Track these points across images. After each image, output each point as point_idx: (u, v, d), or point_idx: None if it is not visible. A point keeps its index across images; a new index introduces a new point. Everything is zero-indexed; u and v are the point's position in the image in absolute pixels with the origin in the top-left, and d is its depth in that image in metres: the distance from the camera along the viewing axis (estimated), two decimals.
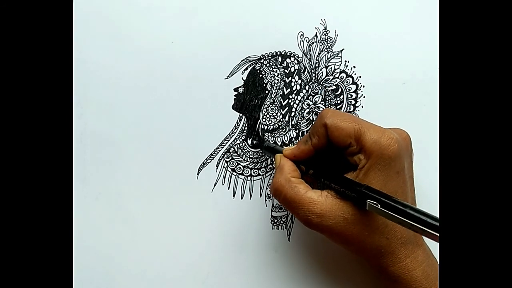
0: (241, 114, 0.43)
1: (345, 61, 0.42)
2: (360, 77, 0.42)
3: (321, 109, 0.42)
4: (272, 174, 0.42)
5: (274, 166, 0.41)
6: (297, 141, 0.42)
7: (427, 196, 0.39)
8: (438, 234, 0.27)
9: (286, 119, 0.42)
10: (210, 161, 0.42)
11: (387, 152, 0.33)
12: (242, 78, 0.42)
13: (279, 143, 0.42)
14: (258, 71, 0.42)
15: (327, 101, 0.42)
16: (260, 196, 0.42)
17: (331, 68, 0.42)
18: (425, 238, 0.35)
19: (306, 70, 0.42)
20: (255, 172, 0.43)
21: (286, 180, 0.35)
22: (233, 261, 0.42)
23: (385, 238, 0.33)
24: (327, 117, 0.35)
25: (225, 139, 0.42)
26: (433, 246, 0.36)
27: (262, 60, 0.42)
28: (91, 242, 0.42)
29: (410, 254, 0.34)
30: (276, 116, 0.42)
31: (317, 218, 0.33)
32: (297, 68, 0.42)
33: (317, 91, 0.42)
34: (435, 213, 0.28)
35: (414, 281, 0.33)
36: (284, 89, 0.42)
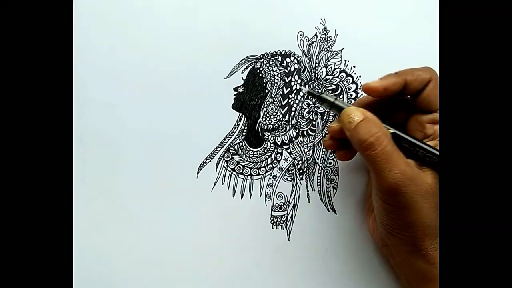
0: (241, 114, 0.42)
1: (345, 60, 0.42)
2: (360, 76, 0.42)
3: (321, 108, 0.42)
4: (272, 174, 0.42)
5: (342, 121, 0.35)
6: (297, 140, 0.42)
7: None
8: None
9: (286, 118, 0.42)
10: (210, 161, 0.42)
11: None
12: (242, 77, 0.42)
13: (279, 143, 0.42)
14: (258, 71, 0.42)
15: None
16: (260, 195, 0.42)
17: (331, 67, 0.42)
18: None
19: (306, 70, 0.42)
20: (255, 172, 0.43)
21: (384, 133, 0.32)
22: (233, 261, 0.42)
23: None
24: (435, 74, 0.34)
25: (225, 139, 0.42)
26: None
27: (262, 59, 0.42)
28: (91, 241, 0.42)
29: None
30: (276, 116, 0.42)
31: (408, 181, 0.31)
32: (297, 67, 0.42)
33: (317, 90, 0.42)
34: None
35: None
36: (284, 88, 0.42)
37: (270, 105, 0.42)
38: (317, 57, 0.42)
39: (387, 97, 0.35)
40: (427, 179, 0.32)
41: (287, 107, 0.42)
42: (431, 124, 0.34)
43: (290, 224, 0.42)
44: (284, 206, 0.42)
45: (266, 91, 0.42)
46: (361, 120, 0.33)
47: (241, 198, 0.42)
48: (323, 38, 0.42)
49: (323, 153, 0.42)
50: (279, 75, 0.42)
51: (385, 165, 0.32)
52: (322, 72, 0.42)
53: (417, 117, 0.36)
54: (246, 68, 0.42)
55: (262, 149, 0.43)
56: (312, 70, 0.42)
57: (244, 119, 0.43)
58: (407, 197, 0.31)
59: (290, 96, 0.42)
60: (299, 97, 0.42)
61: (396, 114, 0.38)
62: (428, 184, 0.32)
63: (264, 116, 0.42)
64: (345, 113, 0.34)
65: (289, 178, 0.42)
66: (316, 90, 0.41)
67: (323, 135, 0.42)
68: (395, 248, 0.35)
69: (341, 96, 0.42)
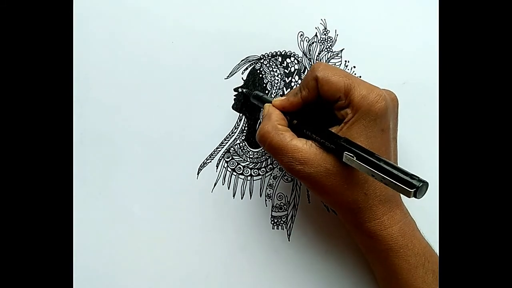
0: (241, 114, 0.43)
1: (345, 61, 0.42)
2: (360, 76, 0.42)
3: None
4: (272, 174, 0.42)
5: (261, 115, 0.40)
6: None
7: None
8: (410, 190, 0.27)
9: None
10: (210, 161, 0.42)
11: (374, 109, 0.33)
12: (242, 78, 0.42)
13: None
14: (258, 71, 0.42)
15: None
16: (260, 196, 0.42)
17: None
18: (403, 198, 0.36)
19: (306, 70, 0.42)
20: (255, 172, 0.43)
21: (272, 127, 0.35)
22: (233, 261, 0.42)
23: (363, 193, 0.34)
24: (318, 70, 0.35)
25: (225, 139, 0.42)
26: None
27: (262, 60, 0.42)
28: (91, 242, 0.42)
29: (387, 212, 0.34)
30: None
31: (300, 165, 0.33)
32: (297, 68, 0.42)
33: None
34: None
35: (390, 238, 0.34)
36: (284, 89, 0.42)
37: None
38: (318, 57, 0.42)
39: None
40: (328, 161, 0.33)
41: None
42: (338, 110, 0.35)
43: (290, 225, 0.42)
44: (284, 206, 0.42)
45: (267, 92, 0.42)
46: (263, 117, 0.37)
47: (242, 198, 0.42)
48: (323, 39, 0.42)
49: None
50: (279, 76, 0.42)
51: (276, 156, 0.35)
52: None
53: (332, 107, 0.36)
54: (246, 68, 0.42)
55: (262, 150, 0.43)
56: None
57: (244, 120, 0.43)
58: (306, 179, 0.34)
59: None
60: None
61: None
62: (329, 165, 0.33)
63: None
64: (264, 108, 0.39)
65: (289, 179, 0.42)
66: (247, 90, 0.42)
67: None
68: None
69: None
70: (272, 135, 0.35)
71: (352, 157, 0.31)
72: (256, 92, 0.41)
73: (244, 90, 0.42)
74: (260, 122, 0.42)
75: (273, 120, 0.36)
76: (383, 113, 0.33)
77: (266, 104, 0.39)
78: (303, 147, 0.34)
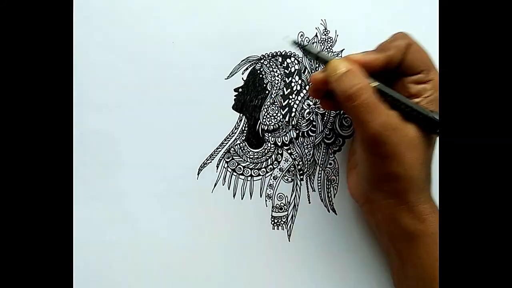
0: (241, 115, 0.42)
1: None
2: None
3: (321, 109, 0.42)
4: (272, 174, 0.42)
5: (327, 72, 0.35)
6: (297, 141, 0.42)
7: None
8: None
9: (287, 119, 0.42)
10: (211, 162, 0.42)
11: None
12: (242, 78, 0.42)
13: (279, 144, 0.42)
14: (258, 71, 0.42)
15: None
16: (261, 196, 0.42)
17: None
18: None
19: (307, 70, 0.42)
20: (255, 173, 0.43)
21: (366, 85, 0.33)
22: (233, 261, 0.42)
23: (427, 173, 0.34)
24: (410, 38, 0.35)
25: (225, 140, 0.42)
26: None
27: (262, 60, 0.42)
28: (91, 242, 0.42)
29: (430, 199, 0.34)
30: (276, 117, 0.42)
31: (389, 131, 0.32)
32: (297, 68, 0.42)
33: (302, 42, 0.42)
34: None
35: (430, 225, 0.33)
36: (285, 89, 0.42)
37: (271, 106, 0.42)
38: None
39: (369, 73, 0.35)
40: (410, 131, 0.33)
41: (287, 108, 0.42)
42: (414, 84, 0.35)
43: (290, 225, 0.42)
44: (285, 206, 0.42)
45: (267, 92, 0.42)
46: (345, 72, 0.34)
47: (242, 199, 0.42)
48: (324, 39, 0.42)
49: (324, 154, 0.42)
50: (279, 76, 0.42)
51: (367, 115, 0.32)
52: None
53: (401, 79, 0.36)
54: (247, 68, 0.42)
55: (263, 150, 0.43)
56: (313, 71, 0.42)
57: (244, 120, 0.43)
58: (390, 146, 0.32)
59: (290, 97, 0.42)
60: (299, 98, 0.42)
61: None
62: (411, 136, 0.33)
63: (265, 117, 0.42)
64: (331, 64, 0.35)
65: (290, 179, 0.42)
66: (301, 42, 0.41)
67: (324, 136, 0.42)
68: (378, 204, 0.35)
69: None
70: (370, 92, 0.33)
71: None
72: (320, 51, 0.39)
73: (303, 44, 0.39)
74: (260, 122, 0.42)
75: (363, 77, 0.33)
76: None
77: (341, 59, 0.35)
78: (394, 114, 0.33)
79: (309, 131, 0.42)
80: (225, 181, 0.43)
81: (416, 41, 0.35)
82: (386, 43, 0.36)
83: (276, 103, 0.42)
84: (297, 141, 0.42)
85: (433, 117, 0.33)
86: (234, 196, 0.42)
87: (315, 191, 0.42)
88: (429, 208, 0.34)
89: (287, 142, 0.42)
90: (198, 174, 0.42)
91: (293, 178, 0.42)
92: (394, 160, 0.33)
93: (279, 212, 0.42)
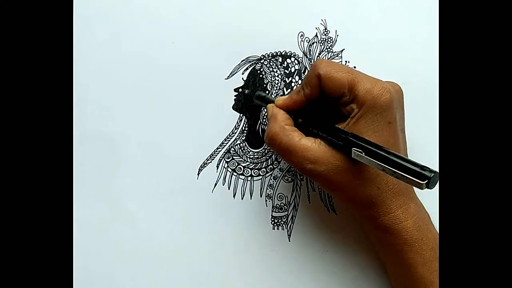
0: (241, 115, 0.42)
1: (345, 61, 0.42)
2: None
3: None
4: (272, 174, 0.42)
5: (266, 116, 0.39)
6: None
7: None
8: (422, 182, 0.27)
9: None
10: (211, 162, 0.42)
11: (379, 102, 0.33)
12: (243, 78, 0.42)
13: None
14: (259, 72, 0.42)
15: None
16: (261, 196, 0.42)
17: None
18: (416, 191, 0.36)
19: (307, 70, 0.42)
20: (256, 173, 0.43)
21: (280, 128, 0.35)
22: (233, 261, 0.42)
23: (376, 187, 0.33)
24: (320, 67, 0.34)
25: (225, 140, 0.42)
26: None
27: (263, 60, 0.42)
28: (91, 242, 0.42)
29: (401, 205, 0.34)
30: None
31: (311, 164, 0.33)
32: (297, 68, 0.42)
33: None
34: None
35: (405, 232, 0.34)
36: (285, 89, 0.42)
37: None
38: (318, 57, 0.42)
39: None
40: (337, 158, 0.33)
41: None
42: (343, 106, 0.35)
43: (290, 225, 0.42)
44: (285, 206, 0.42)
45: (267, 92, 0.42)
46: (269, 118, 0.37)
47: (242, 199, 0.42)
48: (324, 39, 0.42)
49: None
50: (279, 76, 0.42)
51: (286, 156, 0.35)
52: None
53: (335, 103, 0.36)
54: (247, 69, 0.42)
55: (263, 150, 0.43)
56: None
57: (244, 120, 0.43)
58: (319, 177, 0.34)
59: None
60: None
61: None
62: (339, 162, 0.33)
63: (265, 117, 0.42)
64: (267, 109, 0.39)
65: (290, 179, 0.42)
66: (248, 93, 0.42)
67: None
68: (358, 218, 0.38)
69: None
70: (281, 136, 0.35)
71: (361, 152, 0.31)
72: (259, 92, 0.41)
73: (246, 90, 0.42)
74: (260, 123, 0.42)
75: (279, 121, 0.36)
76: (388, 106, 0.33)
77: (269, 104, 0.38)
78: (312, 146, 0.34)
79: None
80: (225, 181, 0.43)
81: (327, 64, 0.35)
82: (303, 80, 0.37)
83: None
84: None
85: (340, 144, 0.33)
86: (234, 196, 0.42)
87: (315, 191, 0.42)
88: (392, 219, 0.34)
89: None
90: (198, 174, 0.42)
91: (293, 178, 0.42)
92: (329, 188, 0.35)
93: (279, 212, 0.42)
